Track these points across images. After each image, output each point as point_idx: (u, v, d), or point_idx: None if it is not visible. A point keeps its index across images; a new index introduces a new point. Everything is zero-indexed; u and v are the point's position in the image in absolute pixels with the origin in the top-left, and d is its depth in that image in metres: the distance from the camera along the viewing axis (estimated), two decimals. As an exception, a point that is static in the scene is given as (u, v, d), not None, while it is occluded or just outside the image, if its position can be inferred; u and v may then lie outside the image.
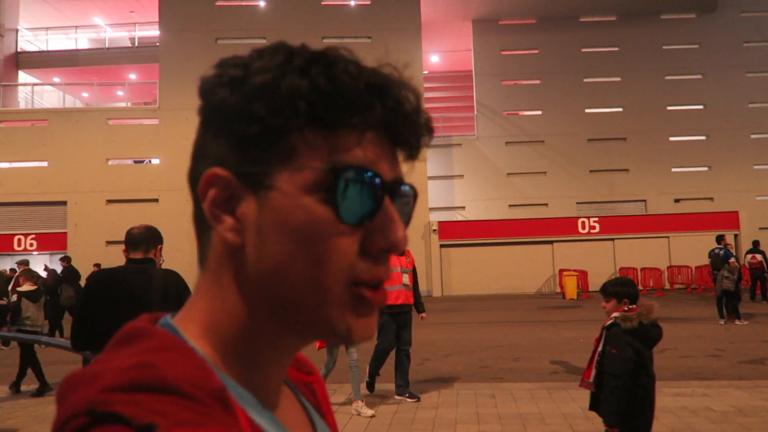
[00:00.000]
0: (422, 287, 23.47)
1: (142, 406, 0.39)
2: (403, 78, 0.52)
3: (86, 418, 0.39)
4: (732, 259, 12.42)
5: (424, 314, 6.80)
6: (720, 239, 13.55)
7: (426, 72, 28.45)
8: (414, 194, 0.55)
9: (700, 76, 27.35)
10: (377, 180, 0.48)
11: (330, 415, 0.65)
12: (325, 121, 0.47)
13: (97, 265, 15.98)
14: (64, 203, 24.34)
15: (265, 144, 0.48)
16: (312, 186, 0.47)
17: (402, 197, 0.53)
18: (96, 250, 22.80)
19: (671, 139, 27.01)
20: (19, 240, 24.20)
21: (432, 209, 25.25)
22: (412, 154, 0.53)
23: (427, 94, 26.84)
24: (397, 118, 0.50)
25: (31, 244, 24.27)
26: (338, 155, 0.48)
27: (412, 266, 6.47)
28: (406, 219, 0.54)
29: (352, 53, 0.51)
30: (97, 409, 0.39)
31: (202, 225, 0.52)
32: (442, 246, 24.03)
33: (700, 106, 27.17)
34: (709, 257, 14.14)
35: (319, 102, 0.47)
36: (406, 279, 6.32)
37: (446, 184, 26.99)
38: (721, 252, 12.79)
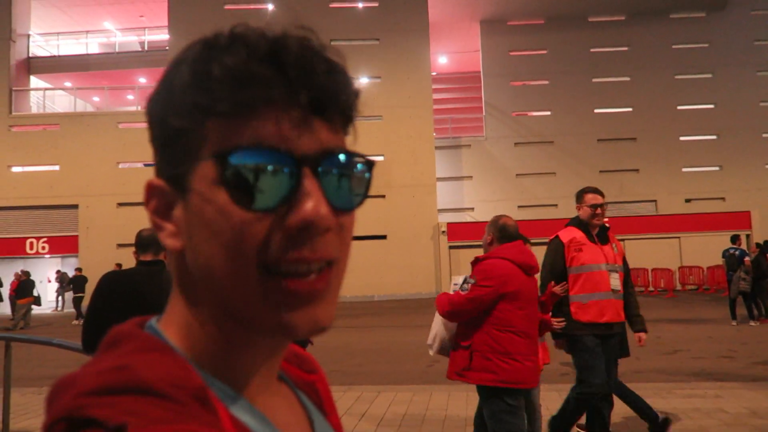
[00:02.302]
0: (431, 288, 23.54)
1: (116, 408, 0.39)
2: (311, 42, 0.49)
3: (64, 424, 0.39)
4: (747, 259, 12.28)
5: (643, 335, 4.46)
6: (735, 239, 13.43)
7: (434, 73, 28.43)
8: (364, 163, 0.50)
9: (710, 75, 27.15)
10: (280, 156, 0.45)
11: (333, 415, 0.64)
12: (217, 110, 0.45)
13: (119, 264, 16.25)
14: (75, 206, 24.54)
15: (176, 146, 0.48)
16: (216, 178, 0.45)
17: (340, 168, 0.48)
18: (107, 252, 22.96)
19: (681, 138, 26.82)
20: (32, 243, 24.43)
21: (441, 210, 25.23)
22: (340, 121, 0.49)
23: (435, 96, 26.80)
24: (304, 88, 0.46)
25: (43, 247, 24.49)
26: (237, 141, 0.45)
27: (623, 260, 4.49)
28: (357, 193, 0.50)
29: (258, 28, 0.49)
30: (73, 414, 0.39)
31: None
32: (451, 247, 23.99)
33: (711, 106, 26.96)
34: (724, 257, 14.03)
35: (205, 92, 0.45)
36: (615, 282, 4.28)
37: (455, 186, 26.95)
38: (737, 252, 12.66)
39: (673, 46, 27.35)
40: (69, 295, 21.59)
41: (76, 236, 24.41)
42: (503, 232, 3.72)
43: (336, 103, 0.48)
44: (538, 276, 3.70)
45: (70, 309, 22.13)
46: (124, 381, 0.41)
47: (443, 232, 23.88)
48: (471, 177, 27.06)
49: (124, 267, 3.25)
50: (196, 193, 0.47)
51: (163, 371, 0.43)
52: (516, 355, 3.28)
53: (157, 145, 0.50)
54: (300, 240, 0.46)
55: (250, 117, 0.45)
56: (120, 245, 23.06)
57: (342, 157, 0.48)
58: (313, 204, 0.45)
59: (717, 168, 26.72)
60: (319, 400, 0.64)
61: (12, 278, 18.35)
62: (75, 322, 17.77)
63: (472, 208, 26.98)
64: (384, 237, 23.67)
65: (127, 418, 0.38)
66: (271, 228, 0.45)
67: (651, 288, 21.93)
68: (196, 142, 0.46)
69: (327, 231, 0.46)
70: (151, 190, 0.50)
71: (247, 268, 0.45)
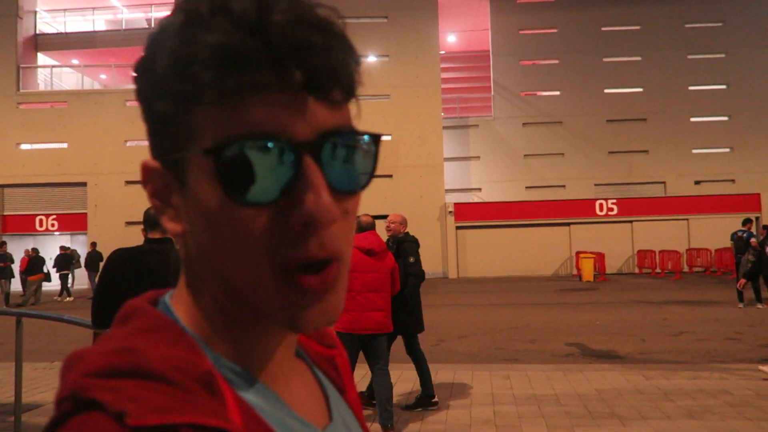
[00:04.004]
0: (438, 269, 23.60)
1: (119, 392, 0.38)
2: (308, 11, 0.43)
3: (70, 403, 0.39)
4: (754, 240, 12.19)
5: None
6: (746, 222, 13.34)
7: (442, 52, 28.14)
8: (369, 139, 0.46)
9: (723, 55, 26.73)
10: (277, 145, 0.41)
11: (352, 391, 0.63)
12: (202, 96, 0.41)
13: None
14: (84, 184, 24.67)
15: (166, 131, 0.45)
16: (209, 171, 0.42)
17: (343, 149, 0.44)
18: (116, 230, 23.14)
19: (692, 119, 26.53)
20: (41, 220, 24.63)
21: (448, 191, 25.18)
22: (340, 98, 0.45)
23: (443, 75, 26.57)
24: (298, 67, 0.42)
25: (53, 225, 24.69)
26: (227, 130, 0.41)
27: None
28: (364, 171, 0.46)
29: None
30: (77, 395, 0.39)
31: None
32: (458, 228, 23.98)
33: (723, 86, 26.60)
34: (732, 240, 13.94)
35: (187, 76, 0.41)
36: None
37: (462, 166, 26.85)
38: (744, 235, 12.59)
39: (686, 26, 26.90)
40: (79, 272, 21.78)
41: (85, 214, 24.57)
42: (357, 226, 4.47)
43: (335, 79, 0.43)
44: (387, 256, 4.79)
45: (79, 285, 22.37)
46: (129, 363, 0.40)
47: (450, 212, 23.85)
48: (478, 157, 26.94)
49: (122, 245, 3.26)
50: (192, 183, 0.44)
51: (170, 354, 0.42)
52: (350, 310, 4.53)
53: (148, 126, 0.47)
54: (306, 236, 0.43)
55: (240, 103, 0.41)
56: (128, 223, 23.20)
57: (344, 136, 0.44)
58: (315, 197, 0.42)
59: (728, 150, 26.45)
60: (338, 376, 0.63)
61: (22, 255, 18.54)
62: (57, 298, 18.06)
63: (480, 189, 26.91)
64: (391, 217, 23.64)
65: (128, 404, 0.37)
66: (273, 223, 0.43)
67: (658, 270, 21.90)
68: (185, 129, 0.43)
69: (332, 224, 0.43)
70: (147, 172, 0.48)
71: (256, 262, 0.43)
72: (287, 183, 0.42)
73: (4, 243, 17.77)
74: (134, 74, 0.47)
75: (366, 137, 0.46)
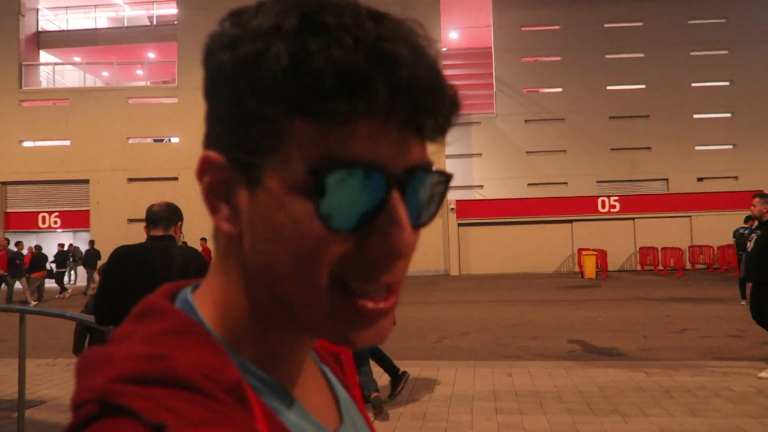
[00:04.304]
0: (440, 266, 23.63)
1: (154, 402, 0.38)
2: (419, 42, 0.43)
3: (97, 406, 0.38)
4: (755, 236, 12.18)
5: None
6: (748, 219, 13.32)
7: (444, 49, 28.11)
8: (444, 178, 0.47)
9: (726, 52, 26.62)
10: (375, 177, 0.41)
11: (355, 387, 0.65)
12: (311, 109, 0.40)
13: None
14: (86, 181, 24.72)
15: (252, 130, 0.43)
16: (296, 185, 0.41)
17: (424, 185, 0.45)
18: (118, 227, 23.19)
19: (695, 116, 26.44)
20: (44, 218, 24.69)
21: (450, 188, 25.07)
22: (435, 136, 0.45)
23: (445, 71, 26.08)
24: (407, 99, 0.41)
25: (55, 222, 24.75)
26: (327, 149, 0.41)
27: None
28: (432, 208, 0.47)
29: (360, 6, 0.42)
30: (107, 399, 0.38)
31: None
32: (460, 225, 23.98)
33: (726, 83, 26.50)
34: (734, 237, 13.92)
35: (302, 86, 0.40)
36: None
37: (465, 163, 26.82)
38: (747, 232, 12.57)
39: (689, 22, 26.80)
40: (81, 270, 21.83)
41: (88, 211, 24.62)
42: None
43: (435, 118, 0.44)
44: None
45: (82, 283, 22.42)
46: (162, 371, 0.40)
47: (452, 209, 23.85)
48: (480, 154, 26.90)
49: (125, 243, 3.28)
50: (268, 191, 0.43)
51: (200, 361, 0.42)
52: None
53: (225, 120, 0.44)
54: (382, 266, 0.43)
55: (348, 127, 0.40)
56: (130, 220, 23.25)
57: (428, 173, 0.45)
58: (406, 235, 0.42)
59: (730, 146, 26.37)
60: (343, 373, 0.63)
61: (25, 252, 18.61)
62: (59, 296, 18.06)
63: (482, 186, 26.88)
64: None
65: (166, 415, 0.37)
66: (349, 249, 0.42)
67: (660, 267, 21.88)
68: (276, 135, 0.42)
69: (409, 257, 0.44)
70: (207, 164, 0.45)
71: (318, 282, 0.43)
72: (371, 213, 0.42)
73: (20, 242, 17.78)
74: (220, 60, 0.44)
75: (442, 175, 0.47)
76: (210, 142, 0.46)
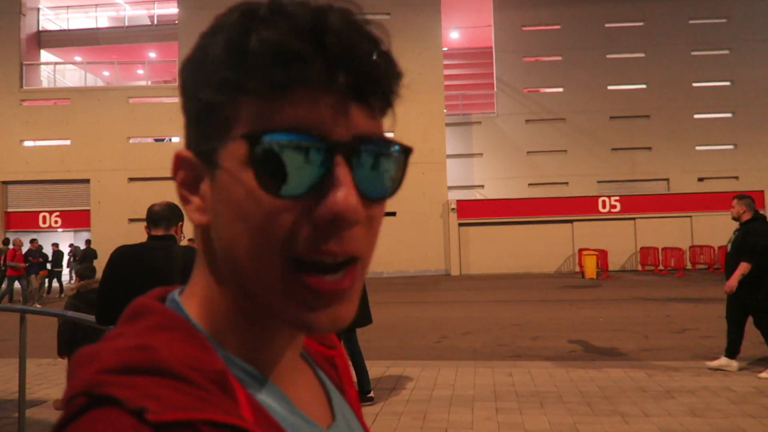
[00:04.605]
0: (440, 266, 23.63)
1: (137, 389, 0.39)
2: (356, 17, 0.45)
3: (85, 398, 0.39)
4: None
5: None
6: None
7: (445, 49, 28.08)
8: (402, 151, 0.48)
9: (727, 52, 26.60)
10: (314, 143, 0.43)
11: (352, 390, 0.64)
12: (250, 87, 0.43)
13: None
14: (87, 181, 24.72)
15: (207, 120, 0.46)
16: (245, 159, 0.43)
17: (374, 156, 0.46)
18: (118, 227, 23.19)
19: (696, 116, 26.42)
20: (44, 217, 24.69)
21: (451, 188, 25.15)
22: (380, 105, 0.47)
23: (446, 71, 26.54)
24: (343, 67, 0.43)
25: (56, 221, 24.76)
26: (267, 121, 0.43)
27: None
28: (390, 181, 0.48)
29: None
30: (93, 390, 0.39)
31: None
32: (460, 225, 23.97)
33: (727, 83, 26.49)
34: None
35: (239, 66, 0.43)
36: None
37: (465, 163, 26.82)
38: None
39: (690, 22, 26.78)
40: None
41: (88, 210, 24.62)
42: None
43: (376, 87, 0.45)
44: None
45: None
46: (145, 361, 0.41)
47: (453, 209, 23.84)
48: (481, 154, 26.89)
49: (125, 243, 3.28)
50: (224, 171, 0.45)
51: (184, 352, 0.43)
52: None
53: (188, 117, 0.49)
54: (328, 232, 0.43)
55: (285, 97, 0.43)
56: (131, 220, 23.25)
57: (377, 144, 0.46)
58: (343, 195, 0.43)
59: (731, 146, 26.35)
60: (338, 376, 0.64)
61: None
62: (60, 296, 18.00)
63: (482, 186, 26.87)
64: (394, 214, 23.68)
65: (147, 401, 0.38)
66: (299, 217, 0.43)
67: (661, 267, 21.87)
68: (228, 118, 0.45)
69: (356, 224, 0.44)
70: (179, 161, 0.49)
71: (272, 257, 0.44)
72: (318, 180, 0.43)
73: (35, 240, 17.73)
74: (181, 66, 0.49)
75: (397, 147, 0.48)
76: (185, 143, 0.50)
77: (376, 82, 0.45)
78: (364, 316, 5.42)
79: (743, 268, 6.18)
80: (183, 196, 0.49)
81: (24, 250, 16.52)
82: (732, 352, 6.42)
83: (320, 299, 0.45)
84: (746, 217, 6.47)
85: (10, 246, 16.14)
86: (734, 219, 6.62)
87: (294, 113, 0.43)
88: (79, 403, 0.39)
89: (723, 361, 6.41)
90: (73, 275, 15.50)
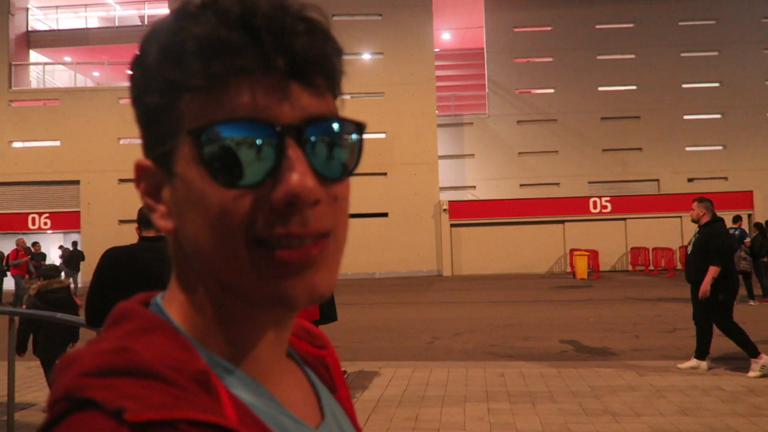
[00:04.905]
0: (432, 267, 23.67)
1: (115, 391, 0.39)
2: (291, 5, 0.45)
3: (65, 403, 0.39)
4: (748, 240, 12.34)
5: None
6: (736, 220, 13.44)
7: (437, 50, 28.13)
8: (353, 127, 0.48)
9: (716, 53, 26.83)
10: (261, 129, 0.43)
11: (343, 390, 0.64)
12: (190, 84, 0.43)
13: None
14: (77, 182, 24.54)
15: (156, 124, 0.46)
16: (194, 157, 0.44)
17: (327, 135, 0.46)
18: (109, 228, 23.05)
19: (686, 117, 26.62)
20: (33, 219, 24.49)
21: (442, 188, 25.19)
22: (326, 85, 0.47)
23: (438, 72, 26.58)
24: (279, 51, 0.43)
25: (45, 223, 24.55)
26: (211, 114, 0.43)
27: None
28: (347, 158, 0.48)
29: None
30: (73, 394, 0.39)
31: None
32: (452, 225, 24.00)
33: (716, 84, 26.71)
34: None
35: (175, 66, 0.43)
36: None
37: (457, 163, 26.87)
38: (737, 232, 12.69)
39: (680, 23, 26.98)
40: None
41: (78, 212, 24.45)
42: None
43: (316, 66, 0.45)
44: None
45: (72, 284, 22.26)
46: (124, 363, 0.41)
47: (445, 210, 23.87)
48: (473, 155, 26.96)
49: (115, 244, 3.27)
50: (179, 175, 0.45)
51: (164, 353, 0.43)
52: None
53: (140, 124, 0.48)
54: (288, 215, 0.44)
55: (225, 89, 0.43)
56: (122, 221, 23.10)
57: (328, 123, 0.46)
58: (297, 176, 0.43)
59: (721, 147, 26.57)
60: (329, 376, 0.63)
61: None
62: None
63: (474, 186, 26.93)
64: (385, 215, 23.68)
65: (126, 401, 0.38)
66: (256, 204, 0.43)
67: (652, 267, 22.00)
68: (174, 119, 0.45)
69: (317, 203, 0.44)
70: (139, 171, 0.49)
71: (236, 245, 0.44)
72: (272, 165, 0.43)
73: (37, 243, 17.55)
74: (128, 73, 0.48)
75: (350, 124, 0.48)
76: (143, 152, 0.49)
77: (315, 61, 0.45)
78: (328, 315, 5.49)
79: (713, 271, 6.26)
80: (148, 205, 0.49)
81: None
82: (701, 353, 6.48)
83: (291, 268, 0.45)
84: (705, 219, 6.58)
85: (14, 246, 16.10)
86: (694, 221, 6.71)
87: (237, 103, 0.43)
88: (61, 408, 0.39)
89: (693, 362, 6.48)
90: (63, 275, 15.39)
